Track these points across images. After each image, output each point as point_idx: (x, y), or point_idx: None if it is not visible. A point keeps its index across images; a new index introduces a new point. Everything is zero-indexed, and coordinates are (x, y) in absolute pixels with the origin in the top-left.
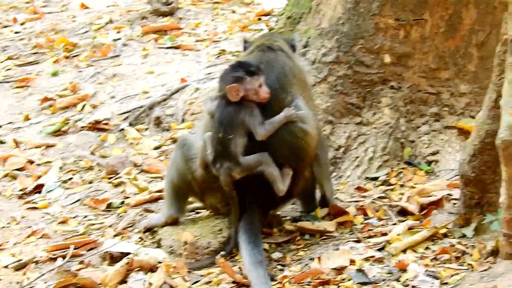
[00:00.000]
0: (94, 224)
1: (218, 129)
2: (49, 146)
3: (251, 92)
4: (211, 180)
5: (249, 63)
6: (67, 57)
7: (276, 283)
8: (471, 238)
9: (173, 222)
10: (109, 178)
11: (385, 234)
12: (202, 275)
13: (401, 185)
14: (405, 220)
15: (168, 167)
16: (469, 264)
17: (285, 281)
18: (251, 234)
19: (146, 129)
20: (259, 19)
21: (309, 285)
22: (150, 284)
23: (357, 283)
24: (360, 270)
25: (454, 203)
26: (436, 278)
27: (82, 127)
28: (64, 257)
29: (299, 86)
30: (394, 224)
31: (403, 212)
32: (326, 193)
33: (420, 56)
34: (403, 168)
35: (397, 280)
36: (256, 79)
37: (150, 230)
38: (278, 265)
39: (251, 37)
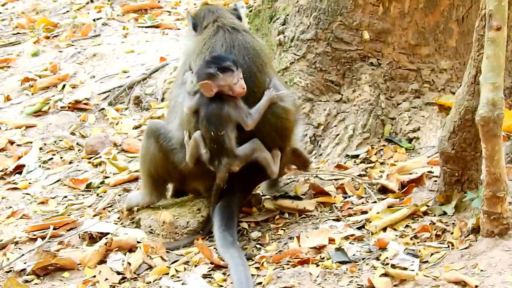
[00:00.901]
0: (73, 204)
1: (209, 128)
2: (29, 127)
3: (225, 88)
4: (198, 172)
5: (223, 58)
6: (47, 37)
7: (254, 263)
8: (452, 215)
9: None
10: (89, 158)
11: (365, 212)
12: (181, 255)
13: (381, 163)
14: (385, 198)
15: (142, 156)
16: (449, 242)
17: (263, 261)
18: (224, 216)
19: (126, 108)
20: None
21: (288, 264)
22: (129, 264)
23: (337, 262)
24: (339, 249)
25: (435, 181)
26: (416, 256)
27: (62, 107)
28: (43, 237)
29: (269, 64)
30: (374, 202)
31: (383, 190)
32: (296, 146)
33: (399, 32)
34: (383, 146)
35: (377, 258)
36: (229, 76)
37: (130, 210)
38: (257, 244)
39: None
